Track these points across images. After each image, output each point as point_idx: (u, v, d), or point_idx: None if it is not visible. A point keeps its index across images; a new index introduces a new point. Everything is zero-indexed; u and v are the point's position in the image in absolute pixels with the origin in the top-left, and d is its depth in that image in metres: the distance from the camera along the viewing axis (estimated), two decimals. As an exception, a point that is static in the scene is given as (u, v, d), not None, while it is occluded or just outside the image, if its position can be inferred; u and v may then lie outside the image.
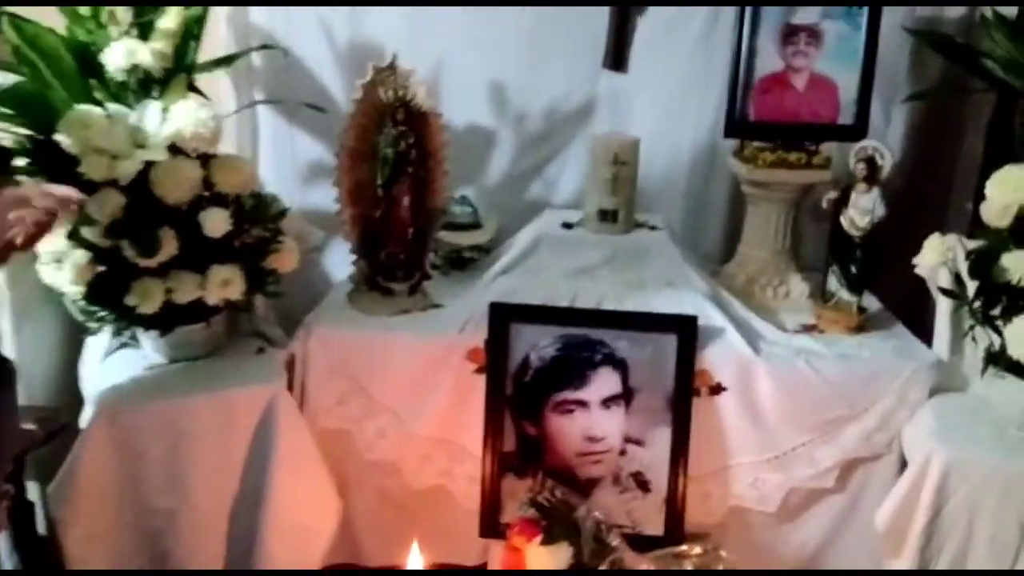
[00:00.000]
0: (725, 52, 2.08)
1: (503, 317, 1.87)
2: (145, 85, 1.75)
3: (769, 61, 2.01)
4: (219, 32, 2.24)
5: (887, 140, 2.24)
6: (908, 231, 2.23)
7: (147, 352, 1.85)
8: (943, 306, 1.86)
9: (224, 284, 1.74)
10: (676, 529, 1.83)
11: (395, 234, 2.00)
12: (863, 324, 1.98)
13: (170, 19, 1.75)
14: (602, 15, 2.28)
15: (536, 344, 1.86)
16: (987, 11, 2.11)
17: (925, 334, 1.96)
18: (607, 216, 2.10)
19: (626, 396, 1.85)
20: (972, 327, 1.75)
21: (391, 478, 1.90)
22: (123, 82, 1.73)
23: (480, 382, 1.86)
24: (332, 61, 2.34)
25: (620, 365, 1.85)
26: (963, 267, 1.76)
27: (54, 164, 1.63)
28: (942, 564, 1.65)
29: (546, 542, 1.68)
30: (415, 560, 1.35)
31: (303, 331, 1.92)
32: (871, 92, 2.02)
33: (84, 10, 1.74)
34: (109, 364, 1.84)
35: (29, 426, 1.61)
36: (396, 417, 1.88)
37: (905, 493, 1.68)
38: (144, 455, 1.70)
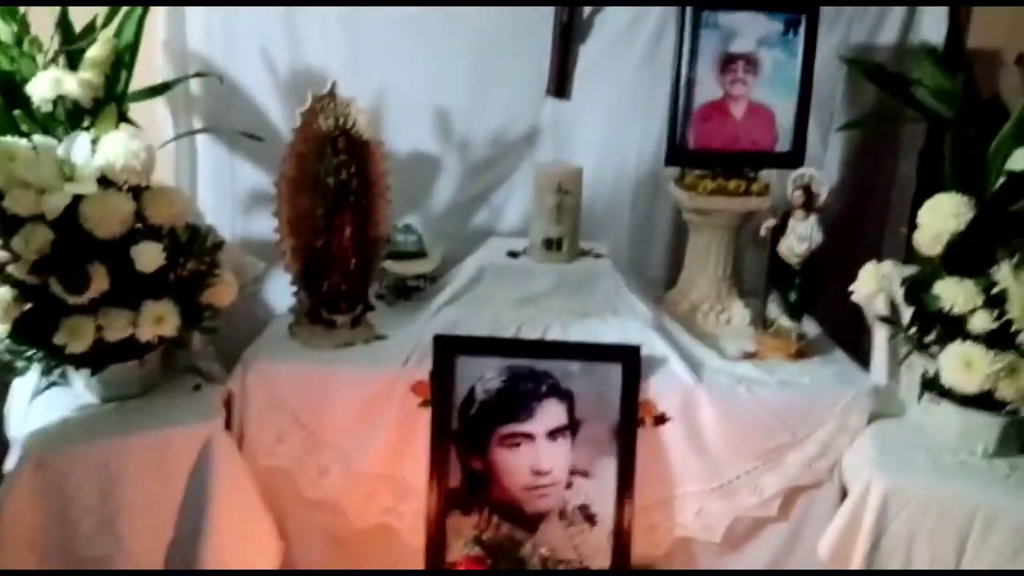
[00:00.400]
0: (667, 79, 2.10)
1: (448, 349, 1.85)
2: (74, 116, 1.70)
3: (708, 89, 2.04)
4: (155, 59, 2.20)
5: (825, 167, 2.30)
6: (846, 256, 2.27)
7: (78, 391, 1.78)
8: (880, 333, 1.89)
9: (158, 320, 1.69)
10: (623, 562, 1.83)
11: (337, 265, 1.96)
12: (803, 350, 2.00)
13: (100, 48, 1.71)
14: (545, 43, 2.29)
15: (481, 376, 1.84)
16: (917, 42, 2.18)
17: (864, 358, 1.99)
18: (552, 245, 2.10)
19: (572, 428, 1.84)
20: (908, 354, 1.78)
21: (334, 517, 1.86)
22: (50, 113, 1.68)
23: (425, 416, 1.84)
24: (273, 88, 2.30)
25: (566, 396, 1.84)
26: (899, 294, 1.79)
27: (-22, 199, 1.57)
28: (885, 589, 1.67)
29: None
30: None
31: (241, 366, 1.87)
32: (807, 120, 2.06)
33: (6, 38, 1.68)
34: (37, 405, 1.76)
35: (-51, 473, 1.55)
36: (338, 454, 1.85)
37: (847, 521, 1.70)
38: (74, 501, 1.63)
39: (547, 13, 2.26)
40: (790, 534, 1.88)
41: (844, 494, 1.81)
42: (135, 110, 1.93)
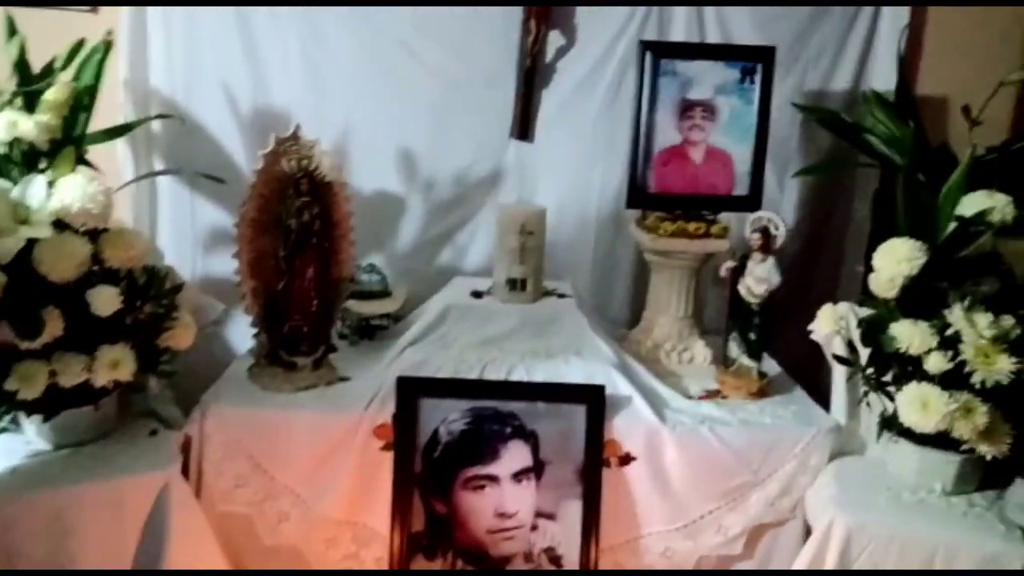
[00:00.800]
0: (628, 123, 2.13)
1: (411, 391, 1.83)
2: (30, 158, 1.68)
3: (667, 135, 2.08)
4: (116, 96, 2.19)
5: (782, 210, 2.35)
6: (805, 296, 2.33)
7: (29, 438, 1.73)
8: (839, 372, 1.92)
9: (113, 365, 1.66)
10: (589, 604, 1.81)
11: (299, 306, 1.95)
12: (764, 389, 2.03)
13: (58, 91, 1.69)
14: (509, 85, 2.32)
15: (445, 418, 1.83)
16: (868, 90, 2.25)
17: (824, 396, 2.02)
18: (516, 285, 2.11)
19: (537, 469, 1.83)
20: (866, 394, 1.80)
21: (295, 564, 1.82)
22: (6, 155, 1.65)
23: (387, 460, 1.81)
24: (236, 127, 2.30)
25: (530, 437, 1.84)
26: (855, 335, 1.82)
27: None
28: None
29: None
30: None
31: (199, 410, 1.84)
32: (764, 164, 2.11)
33: (-41, 81, 1.66)
34: (-15, 452, 1.71)
35: None
36: (299, 499, 1.81)
37: (810, 559, 1.70)
38: (22, 554, 1.56)
39: (511, 57, 2.30)
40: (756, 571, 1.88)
41: (808, 531, 1.82)
42: (95, 150, 1.91)
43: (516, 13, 2.27)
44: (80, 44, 1.80)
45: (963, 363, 1.63)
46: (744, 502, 1.85)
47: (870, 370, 1.77)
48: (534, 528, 1.83)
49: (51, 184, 1.64)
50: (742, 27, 2.30)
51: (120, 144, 2.18)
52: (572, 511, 1.83)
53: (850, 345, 1.86)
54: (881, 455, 1.84)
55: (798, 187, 2.43)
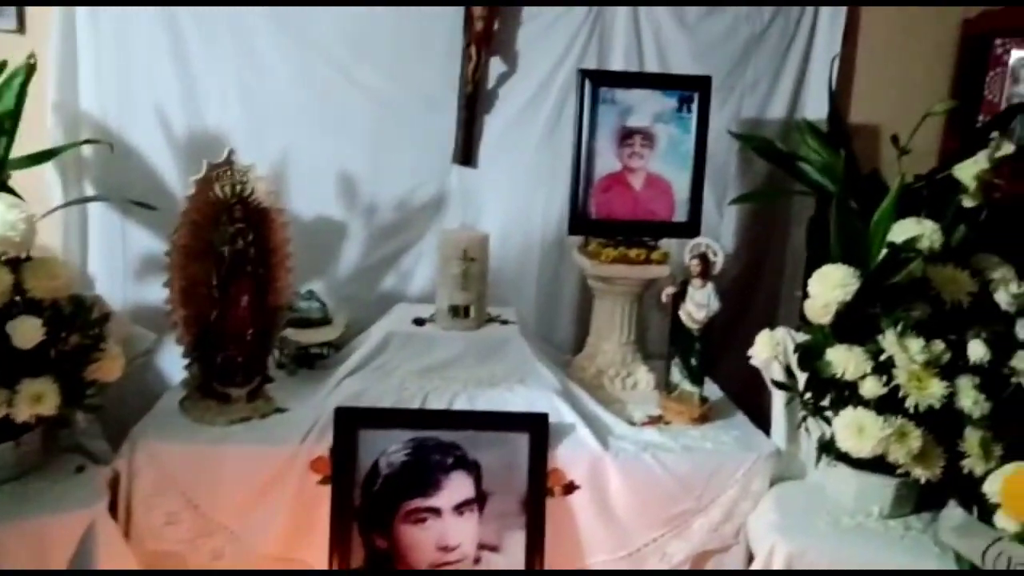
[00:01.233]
0: (569, 150, 2.14)
1: (349, 422, 1.79)
2: (-51, 186, 1.61)
3: (608, 161, 2.09)
4: (45, 122, 2.12)
5: (721, 236, 2.38)
6: (745, 321, 2.36)
7: (-55, 477, 1.64)
8: (778, 397, 1.94)
9: (36, 399, 1.59)
10: (533, 637, 1.78)
11: (233, 336, 1.89)
12: (706, 414, 2.04)
13: (-23, 115, 1.62)
14: (449, 110, 2.31)
15: (385, 450, 1.79)
16: (802, 119, 2.31)
17: (766, 420, 2.03)
18: (458, 312, 2.09)
19: (479, 500, 1.80)
20: (804, 419, 1.82)
21: (228, 603, 1.76)
22: (-79, 182, 1.58)
23: (325, 493, 1.77)
24: (169, 152, 2.25)
25: (473, 468, 1.81)
26: (793, 360, 1.84)
27: None
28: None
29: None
30: None
31: (128, 444, 1.77)
32: (702, 191, 2.14)
33: None
34: None
35: None
36: (233, 536, 1.76)
37: (753, 585, 1.71)
38: (-68, 601, 1.49)
39: (452, 83, 2.29)
40: (700, 599, 1.88)
41: (751, 557, 1.82)
42: (20, 175, 1.84)
43: (457, 39, 2.27)
44: (2, 66, 1.74)
45: (897, 388, 1.65)
46: (687, 529, 1.85)
47: (808, 395, 1.79)
48: (477, 561, 1.80)
49: (-31, 211, 1.57)
50: (680, 57, 2.34)
51: (48, 169, 2.11)
52: (515, 542, 1.80)
53: (788, 370, 1.88)
54: (820, 479, 1.86)
55: (736, 214, 2.47)
